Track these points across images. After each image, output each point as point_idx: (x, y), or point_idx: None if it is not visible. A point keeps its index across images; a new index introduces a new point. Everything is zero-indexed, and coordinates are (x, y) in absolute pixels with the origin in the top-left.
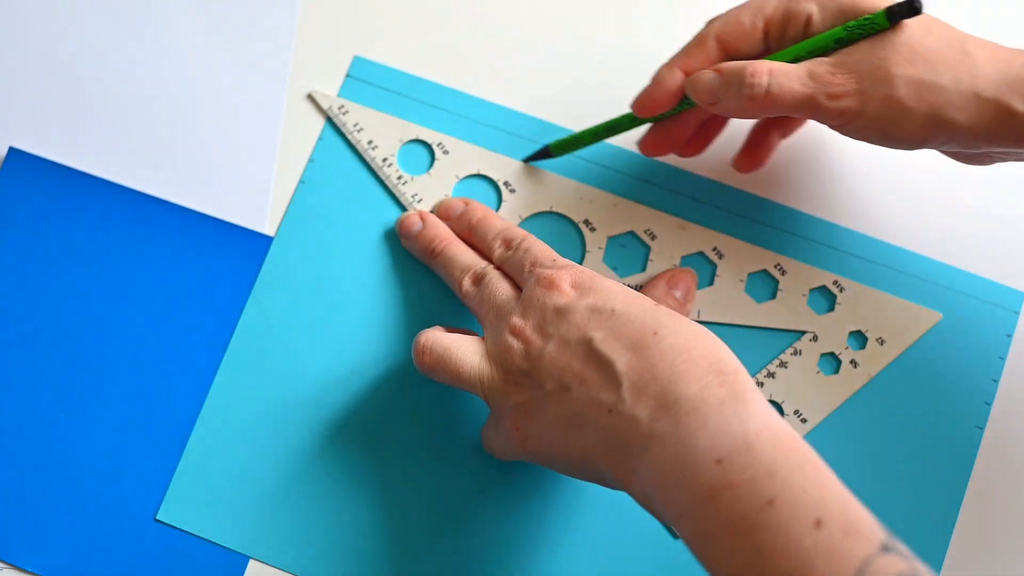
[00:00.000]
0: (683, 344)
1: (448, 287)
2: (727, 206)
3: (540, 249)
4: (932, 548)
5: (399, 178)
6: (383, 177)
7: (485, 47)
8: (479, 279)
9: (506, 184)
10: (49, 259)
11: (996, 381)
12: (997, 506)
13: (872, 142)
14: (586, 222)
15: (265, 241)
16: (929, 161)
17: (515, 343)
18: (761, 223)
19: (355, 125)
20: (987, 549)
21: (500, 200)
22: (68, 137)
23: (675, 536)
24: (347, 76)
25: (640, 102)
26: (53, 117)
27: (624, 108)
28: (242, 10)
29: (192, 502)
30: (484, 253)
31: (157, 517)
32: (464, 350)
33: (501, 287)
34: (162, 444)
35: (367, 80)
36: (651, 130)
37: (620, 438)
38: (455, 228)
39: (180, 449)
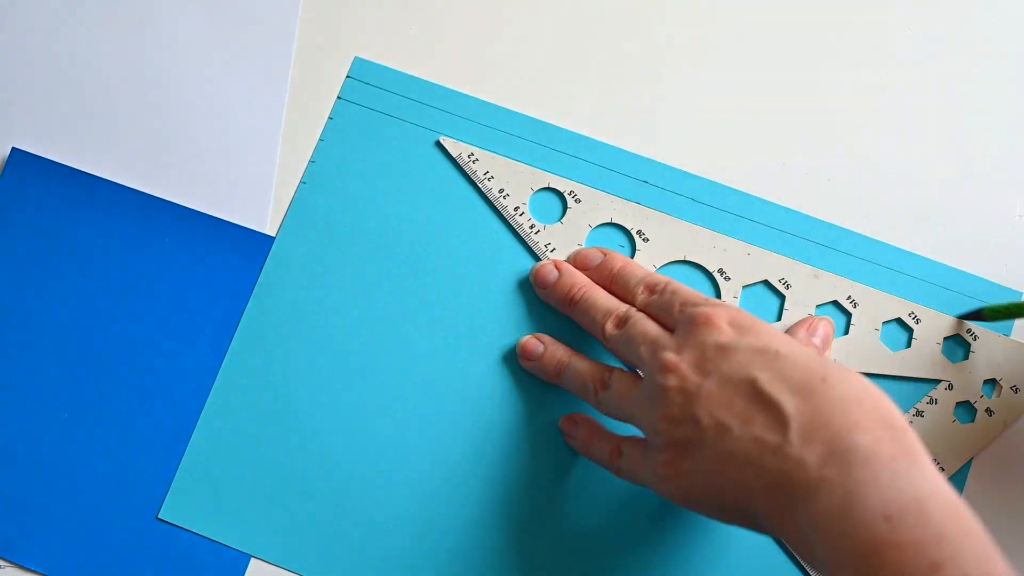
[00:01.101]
0: (854, 394)
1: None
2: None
3: (688, 291)
4: None
5: (532, 227)
6: (515, 226)
7: (494, 47)
8: (623, 321)
9: (639, 233)
10: (52, 260)
11: None
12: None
13: None
14: (720, 271)
15: (267, 241)
16: None
17: (671, 379)
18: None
19: (486, 174)
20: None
21: (634, 249)
22: (70, 137)
23: None
24: (347, 77)
25: None
26: (56, 118)
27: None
28: (243, 9)
29: (194, 501)
30: (626, 300)
31: (159, 516)
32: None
33: (650, 325)
34: (164, 443)
35: (368, 81)
36: None
37: (785, 481)
38: (594, 278)
39: (182, 448)
